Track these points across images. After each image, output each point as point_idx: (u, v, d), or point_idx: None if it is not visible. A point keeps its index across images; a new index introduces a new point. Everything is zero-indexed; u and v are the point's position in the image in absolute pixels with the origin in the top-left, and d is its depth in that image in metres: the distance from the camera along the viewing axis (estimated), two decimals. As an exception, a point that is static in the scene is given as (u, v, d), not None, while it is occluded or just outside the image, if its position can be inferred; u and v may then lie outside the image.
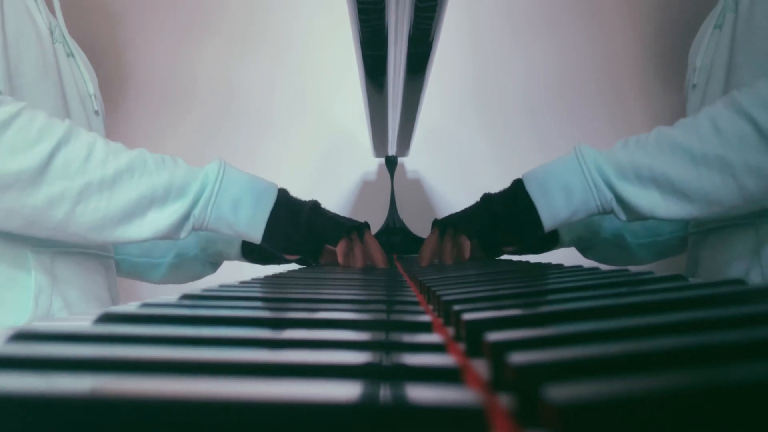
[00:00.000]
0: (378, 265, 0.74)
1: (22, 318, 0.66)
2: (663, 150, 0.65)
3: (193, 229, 0.70)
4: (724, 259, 0.73)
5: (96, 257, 0.76)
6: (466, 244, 0.74)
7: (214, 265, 0.92)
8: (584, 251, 0.89)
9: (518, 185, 0.71)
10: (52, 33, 0.75)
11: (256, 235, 0.70)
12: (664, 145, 0.65)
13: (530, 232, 0.70)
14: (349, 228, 0.74)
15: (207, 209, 0.68)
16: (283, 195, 0.73)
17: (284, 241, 0.72)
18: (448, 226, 0.76)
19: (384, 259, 0.75)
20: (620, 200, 0.67)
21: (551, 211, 0.68)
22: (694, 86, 0.84)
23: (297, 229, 0.72)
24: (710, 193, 0.63)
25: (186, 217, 0.68)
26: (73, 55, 0.81)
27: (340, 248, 0.73)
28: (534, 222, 0.69)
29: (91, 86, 0.83)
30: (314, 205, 0.74)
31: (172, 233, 0.68)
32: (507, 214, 0.71)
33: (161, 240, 0.69)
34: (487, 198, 0.75)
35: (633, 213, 0.67)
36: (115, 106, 1.20)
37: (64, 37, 0.80)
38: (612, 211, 0.69)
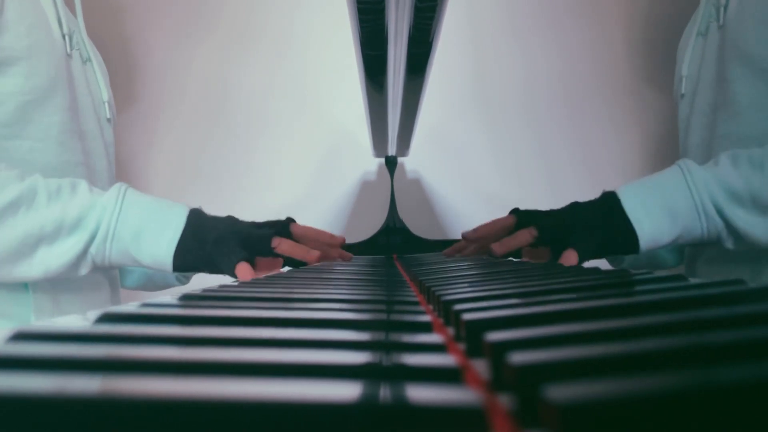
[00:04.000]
0: (329, 242, 0.69)
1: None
2: None
3: (95, 266, 0.65)
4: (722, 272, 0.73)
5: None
6: (572, 256, 0.63)
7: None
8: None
9: (611, 199, 0.63)
10: (70, 38, 0.74)
11: (165, 267, 0.64)
12: None
13: (623, 252, 0.63)
14: (272, 234, 0.66)
15: (105, 245, 0.63)
16: (194, 217, 0.66)
17: (197, 269, 0.67)
18: (544, 231, 0.66)
19: (329, 235, 0.70)
20: (730, 227, 0.61)
21: (653, 234, 0.61)
22: (682, 96, 0.83)
23: (204, 252, 0.64)
24: None
25: (82, 254, 0.63)
26: (90, 60, 0.80)
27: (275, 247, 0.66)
28: (629, 242, 0.62)
29: (105, 93, 0.82)
30: (231, 222, 0.67)
31: (67, 272, 0.63)
32: (606, 234, 0.63)
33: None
34: (576, 207, 0.67)
35: (744, 242, 0.62)
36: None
37: (83, 41, 0.79)
38: (718, 240, 0.63)
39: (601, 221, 0.63)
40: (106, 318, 0.26)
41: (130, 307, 0.30)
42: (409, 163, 1.23)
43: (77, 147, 0.73)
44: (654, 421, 0.11)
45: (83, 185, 0.64)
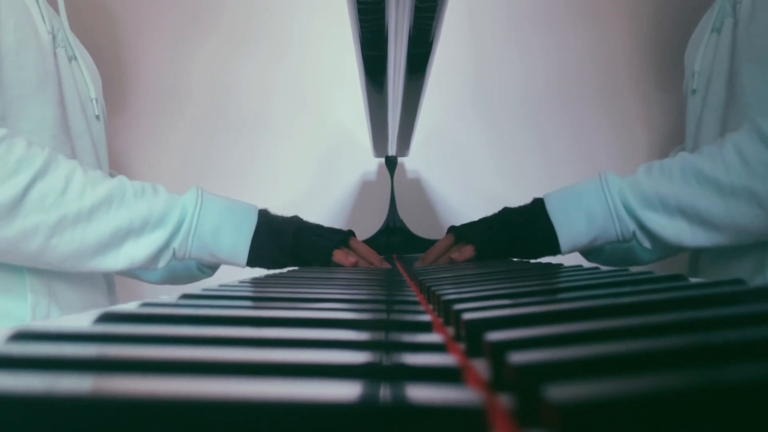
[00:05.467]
0: (375, 266, 0.73)
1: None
2: (689, 180, 0.64)
3: (177, 259, 0.70)
4: (726, 271, 0.73)
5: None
6: (468, 252, 0.72)
7: (212, 268, 0.91)
8: (586, 255, 0.89)
9: (538, 205, 0.71)
10: (54, 37, 0.74)
11: (240, 261, 0.70)
12: (690, 175, 0.64)
13: (544, 253, 0.70)
14: (333, 247, 0.72)
15: (188, 240, 0.68)
16: (263, 216, 0.72)
17: (270, 263, 0.72)
18: (464, 234, 0.74)
19: (379, 258, 0.74)
20: (645, 229, 0.67)
21: (571, 236, 0.68)
22: (694, 91, 0.83)
23: (282, 252, 0.71)
24: (739, 223, 0.62)
25: (163, 248, 0.68)
26: (75, 58, 0.80)
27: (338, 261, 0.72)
28: (551, 244, 0.69)
29: (92, 90, 0.82)
30: (297, 228, 0.72)
31: (148, 264, 0.68)
32: (524, 233, 0.70)
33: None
34: (505, 213, 0.74)
35: (659, 241, 0.67)
36: (111, 107, 1.20)
37: (67, 39, 0.79)
38: (632, 240, 0.68)
39: (521, 226, 0.70)
40: (106, 318, 0.26)
41: (130, 306, 0.30)
42: (409, 163, 1.23)
43: (67, 143, 0.73)
44: (654, 421, 0.11)
45: (162, 188, 0.70)
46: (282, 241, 0.71)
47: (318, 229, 0.75)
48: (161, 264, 0.69)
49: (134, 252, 0.66)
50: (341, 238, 0.74)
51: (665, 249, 0.72)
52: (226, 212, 0.70)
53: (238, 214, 0.70)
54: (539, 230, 0.69)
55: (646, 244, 0.68)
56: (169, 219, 0.67)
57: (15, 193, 0.59)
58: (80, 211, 0.63)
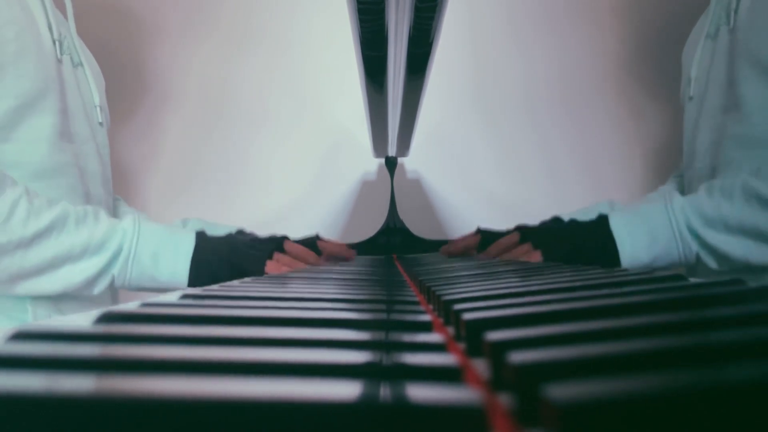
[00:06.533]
0: (312, 263, 0.75)
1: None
2: (751, 204, 0.65)
3: (117, 287, 0.71)
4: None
5: None
6: (536, 257, 0.73)
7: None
8: None
9: (603, 221, 0.72)
10: (60, 44, 0.74)
11: (180, 283, 0.71)
12: (752, 198, 0.66)
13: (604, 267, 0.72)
14: (265, 257, 0.74)
15: (127, 265, 0.69)
16: (200, 237, 0.74)
17: (212, 281, 0.71)
18: (532, 238, 0.76)
19: (314, 255, 0.77)
20: (709, 248, 0.68)
21: (633, 253, 0.69)
22: (691, 98, 0.84)
23: (221, 269, 0.72)
24: None
25: (100, 273, 0.69)
26: (81, 64, 0.80)
27: (270, 273, 0.73)
28: (610, 259, 0.70)
29: (96, 97, 0.82)
30: (232, 244, 0.74)
31: (84, 288, 0.69)
32: (588, 248, 0.71)
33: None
34: (572, 225, 0.76)
35: (724, 260, 0.68)
36: (110, 107, 1.20)
37: (74, 45, 0.79)
38: (696, 261, 0.69)
39: (586, 240, 0.72)
40: (106, 318, 0.26)
41: (130, 306, 0.30)
42: (409, 163, 1.23)
43: (68, 149, 0.73)
44: (654, 421, 0.11)
45: (103, 213, 0.71)
46: (219, 258, 0.72)
47: (252, 241, 0.77)
48: (97, 290, 0.70)
49: (71, 276, 0.67)
50: (273, 246, 0.76)
51: (729, 269, 0.73)
52: (164, 236, 0.72)
53: (175, 238, 0.72)
54: (602, 245, 0.70)
55: (712, 263, 0.69)
56: (109, 245, 0.68)
57: None
58: (21, 240, 0.63)
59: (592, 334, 0.19)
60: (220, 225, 0.89)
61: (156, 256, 0.70)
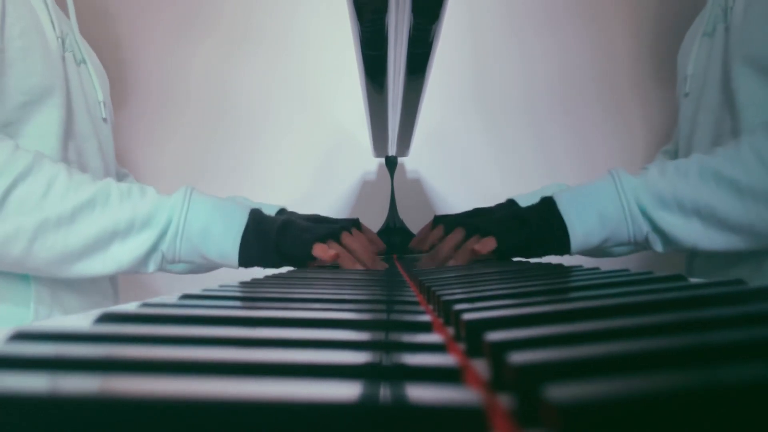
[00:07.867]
0: (365, 265, 0.69)
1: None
2: (707, 181, 0.63)
3: (166, 262, 0.68)
4: (722, 273, 0.73)
5: None
6: (491, 244, 0.68)
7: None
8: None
9: (549, 203, 0.69)
10: (63, 41, 0.74)
11: (231, 262, 0.68)
12: (708, 175, 0.63)
13: (553, 252, 0.68)
14: (314, 240, 0.67)
15: (176, 241, 0.66)
16: (254, 215, 0.69)
17: (262, 263, 0.69)
18: (470, 227, 0.71)
19: (371, 258, 0.70)
20: (658, 230, 0.66)
21: (584, 236, 0.66)
22: (686, 95, 0.84)
23: (266, 250, 0.68)
24: (757, 226, 0.61)
25: (151, 250, 0.66)
26: (84, 62, 0.80)
27: (315, 264, 0.68)
28: (561, 243, 0.67)
29: (100, 93, 0.82)
30: (283, 224, 0.68)
31: (137, 266, 0.67)
32: (539, 231, 0.68)
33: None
34: (517, 210, 0.72)
35: (672, 244, 0.66)
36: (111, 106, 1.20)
37: (76, 42, 0.79)
38: (645, 242, 0.67)
39: (537, 225, 0.68)
40: (106, 318, 0.26)
41: (130, 307, 0.30)
42: (409, 163, 1.23)
43: (71, 146, 0.73)
44: (653, 421, 0.11)
45: (152, 189, 0.69)
46: (266, 239, 0.67)
47: (306, 223, 0.70)
48: (151, 268, 0.68)
49: (121, 255, 0.65)
50: (327, 232, 0.69)
51: (677, 252, 0.71)
52: (214, 212, 0.68)
53: (227, 214, 0.68)
54: (553, 229, 0.67)
55: (658, 246, 0.67)
56: (156, 220, 0.66)
57: None
58: (62, 215, 0.62)
59: (592, 335, 0.19)
60: (265, 204, 0.85)
61: (205, 232, 0.66)
